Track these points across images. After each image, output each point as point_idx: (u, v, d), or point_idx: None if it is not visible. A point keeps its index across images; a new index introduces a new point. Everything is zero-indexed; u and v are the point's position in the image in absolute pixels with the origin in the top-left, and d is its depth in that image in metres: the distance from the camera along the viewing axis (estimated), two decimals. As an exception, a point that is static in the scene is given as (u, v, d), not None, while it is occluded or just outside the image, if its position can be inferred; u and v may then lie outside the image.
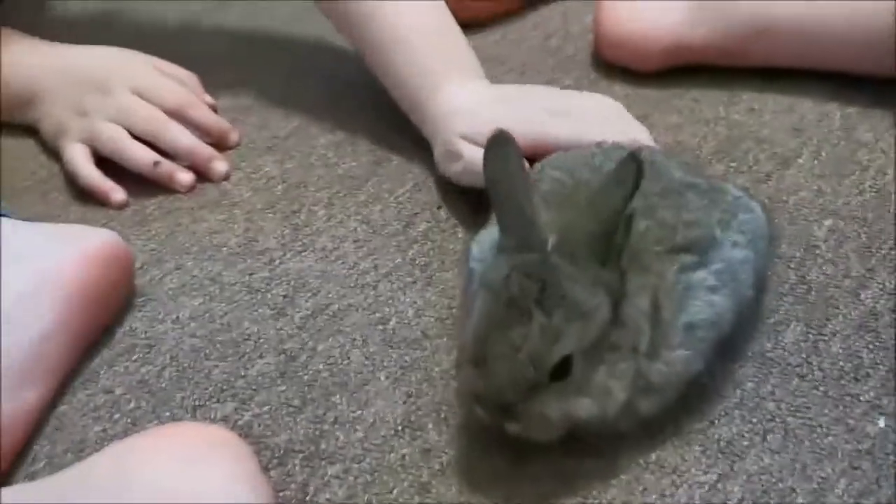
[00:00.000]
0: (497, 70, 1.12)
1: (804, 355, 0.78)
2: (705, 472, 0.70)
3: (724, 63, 1.10)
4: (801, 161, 0.98)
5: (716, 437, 0.72)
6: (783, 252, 0.85)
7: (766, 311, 0.81)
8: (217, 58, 1.23)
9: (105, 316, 0.85)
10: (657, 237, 0.72)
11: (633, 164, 0.65)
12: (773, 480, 0.69)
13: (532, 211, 0.69)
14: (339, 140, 1.08)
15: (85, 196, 1.02)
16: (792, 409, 0.74)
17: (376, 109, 1.12)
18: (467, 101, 0.90)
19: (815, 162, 0.98)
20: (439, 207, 0.96)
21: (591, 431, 0.69)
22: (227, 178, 1.03)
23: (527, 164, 0.78)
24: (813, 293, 0.83)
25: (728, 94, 1.08)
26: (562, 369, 0.66)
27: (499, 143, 0.71)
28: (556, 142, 0.85)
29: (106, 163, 1.03)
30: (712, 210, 0.75)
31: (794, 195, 0.93)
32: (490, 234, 0.79)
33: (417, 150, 1.03)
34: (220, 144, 1.06)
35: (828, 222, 0.90)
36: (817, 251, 0.87)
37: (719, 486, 0.69)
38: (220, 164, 1.03)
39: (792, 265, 0.86)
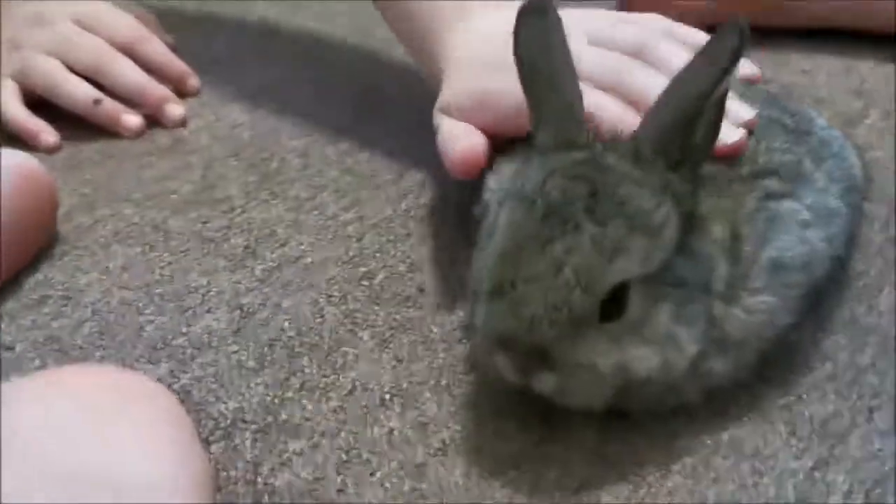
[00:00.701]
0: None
1: (907, 323, 0.61)
2: (797, 458, 0.52)
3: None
4: (868, 122, 0.83)
5: (806, 414, 0.55)
6: (866, 210, 0.69)
7: (854, 273, 0.65)
8: (184, 10, 1.08)
9: (14, 257, 0.66)
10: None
11: (735, 31, 0.48)
12: (888, 468, 0.51)
13: (578, 98, 0.52)
14: (319, 90, 0.91)
15: (12, 140, 0.84)
16: (901, 384, 0.57)
17: (363, 62, 0.96)
18: (471, 49, 0.67)
19: (886, 123, 0.82)
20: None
21: (646, 398, 0.51)
22: (182, 123, 0.86)
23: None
24: (906, 255, 0.67)
25: (773, 56, 0.92)
26: (615, 304, 0.48)
27: (536, 10, 0.54)
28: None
29: (45, 107, 0.86)
30: (798, 145, 0.59)
31: (867, 153, 0.77)
32: (512, 163, 0.62)
33: (412, 99, 0.87)
34: (177, 89, 0.89)
35: (912, 181, 0.75)
36: (905, 211, 0.71)
37: (817, 474, 0.51)
38: (174, 107, 0.86)
39: (877, 226, 0.70)
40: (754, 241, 0.53)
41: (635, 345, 0.48)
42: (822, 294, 0.58)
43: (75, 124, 0.85)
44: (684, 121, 0.49)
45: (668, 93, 0.50)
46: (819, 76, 0.90)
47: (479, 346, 0.52)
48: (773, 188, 0.55)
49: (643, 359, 0.49)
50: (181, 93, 0.90)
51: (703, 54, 0.49)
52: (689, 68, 0.49)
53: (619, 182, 0.48)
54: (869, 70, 0.91)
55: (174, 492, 0.44)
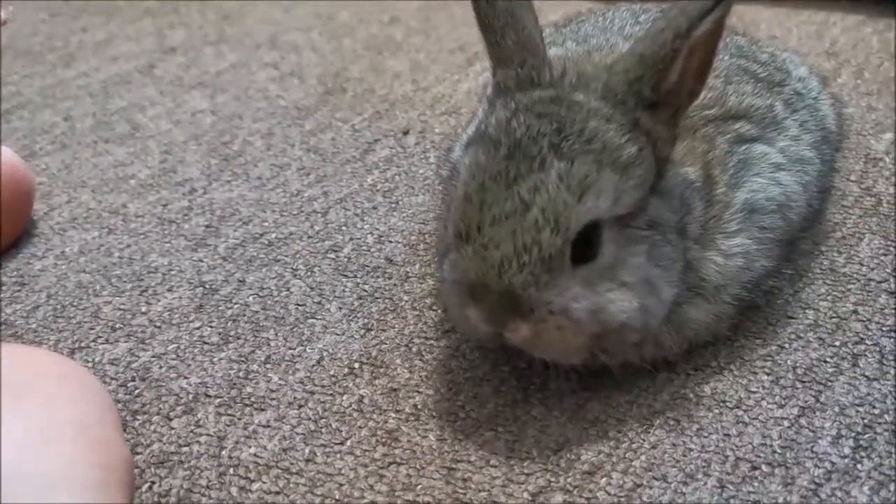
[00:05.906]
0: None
1: (888, 270, 0.59)
2: (781, 406, 0.50)
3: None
4: (841, 80, 0.82)
5: (789, 363, 0.53)
6: (842, 163, 0.68)
7: (831, 225, 0.63)
8: None
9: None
10: (705, 100, 0.53)
11: None
12: (877, 412, 0.49)
13: (539, 33, 0.50)
14: (282, 74, 0.89)
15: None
16: (885, 329, 0.55)
17: (331, 43, 0.95)
18: None
19: (859, 81, 0.81)
20: (406, 133, 0.78)
21: (625, 349, 0.49)
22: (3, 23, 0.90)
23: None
24: (884, 205, 0.65)
25: (741, 25, 0.92)
26: (588, 247, 0.46)
27: None
28: None
29: None
30: (770, 93, 0.58)
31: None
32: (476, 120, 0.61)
33: (378, 80, 0.86)
34: None
35: (887, 136, 0.73)
36: (881, 164, 0.70)
37: (803, 420, 0.49)
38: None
39: (853, 178, 0.68)
40: (727, 183, 0.51)
41: (610, 288, 0.46)
42: (798, 242, 0.56)
43: (28, 117, 0.83)
44: (656, 58, 0.47)
45: (647, 31, 0.48)
46: (790, 41, 0.89)
47: (449, 299, 0.50)
48: (744, 131, 0.53)
49: (619, 302, 0.46)
50: None
51: None
52: (672, 8, 0.47)
53: (586, 118, 0.46)
54: (840, 34, 0.90)
55: (70, 487, 0.41)
